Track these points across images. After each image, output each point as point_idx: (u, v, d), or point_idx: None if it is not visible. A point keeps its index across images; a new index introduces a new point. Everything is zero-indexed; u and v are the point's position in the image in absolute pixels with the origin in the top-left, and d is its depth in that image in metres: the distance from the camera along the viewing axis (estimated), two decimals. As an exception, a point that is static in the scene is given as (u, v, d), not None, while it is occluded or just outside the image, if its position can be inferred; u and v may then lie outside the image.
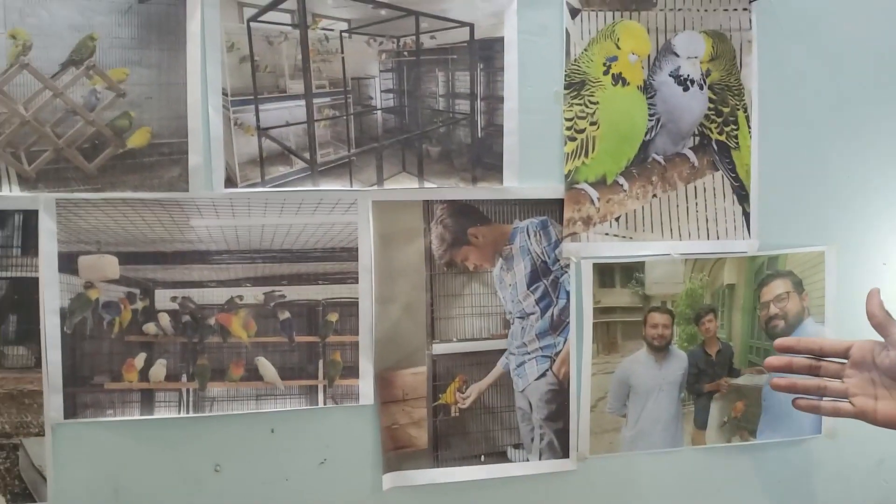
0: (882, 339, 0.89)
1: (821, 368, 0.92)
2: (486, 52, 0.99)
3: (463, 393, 1.01)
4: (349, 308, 0.98)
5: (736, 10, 1.04)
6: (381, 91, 0.97)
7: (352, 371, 0.98)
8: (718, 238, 1.05)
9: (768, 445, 1.09)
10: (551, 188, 1.01)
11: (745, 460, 1.09)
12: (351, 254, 0.97)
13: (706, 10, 1.03)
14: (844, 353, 0.92)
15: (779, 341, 0.93)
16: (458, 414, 1.01)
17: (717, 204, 1.05)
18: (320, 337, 0.98)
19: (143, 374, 0.94)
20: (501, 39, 0.99)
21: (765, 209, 1.06)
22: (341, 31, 0.95)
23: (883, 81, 1.09)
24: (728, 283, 1.06)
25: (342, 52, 0.96)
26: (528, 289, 1.02)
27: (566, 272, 1.02)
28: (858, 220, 1.10)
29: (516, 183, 1.00)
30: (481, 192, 1.00)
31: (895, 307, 1.11)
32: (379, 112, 0.97)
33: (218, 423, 0.96)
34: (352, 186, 0.97)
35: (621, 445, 1.05)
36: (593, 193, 1.02)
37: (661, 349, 1.05)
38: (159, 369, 0.94)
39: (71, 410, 0.93)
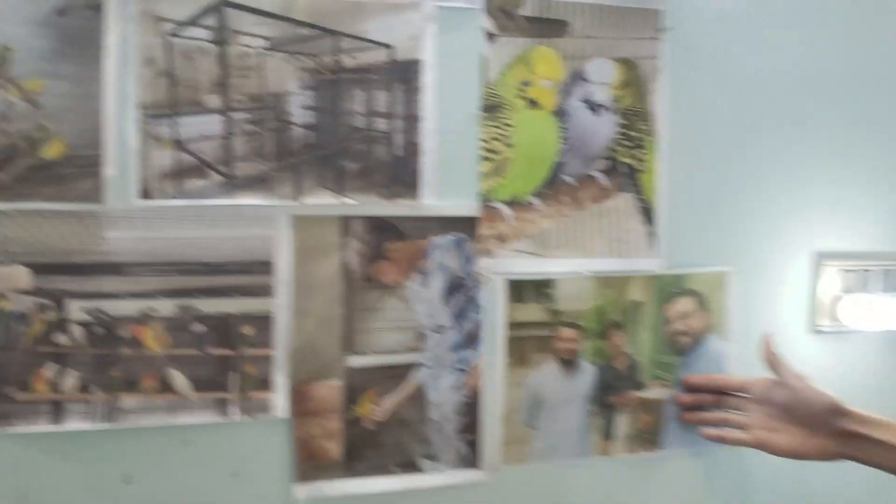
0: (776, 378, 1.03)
1: (724, 402, 1.07)
2: (405, 73, 1.01)
3: (377, 406, 1.03)
4: (264, 321, 0.99)
5: (645, 39, 1.09)
6: (300, 108, 0.99)
7: (265, 384, 0.99)
8: (626, 257, 1.10)
9: (673, 456, 1.14)
10: (467, 206, 1.04)
11: (651, 470, 1.14)
12: (267, 267, 0.99)
13: (616, 39, 1.07)
14: (745, 389, 1.05)
15: (688, 378, 1.10)
16: (372, 426, 1.03)
17: (625, 224, 1.10)
18: (234, 349, 0.99)
19: (54, 386, 0.94)
20: (419, 62, 1.02)
21: (671, 230, 1.11)
22: (261, 48, 0.97)
23: (786, 111, 1.15)
24: (635, 300, 1.10)
25: (261, 68, 0.98)
26: (443, 303, 1.04)
27: (480, 288, 1.05)
28: (760, 242, 1.15)
29: (433, 200, 1.03)
30: (399, 208, 1.02)
31: (792, 325, 1.18)
32: (297, 128, 0.99)
33: (129, 436, 0.96)
34: (269, 201, 0.98)
35: (532, 456, 1.08)
36: (507, 212, 1.06)
37: (570, 363, 1.09)
38: (70, 380, 0.94)
39: (-23, 422, 0.92)
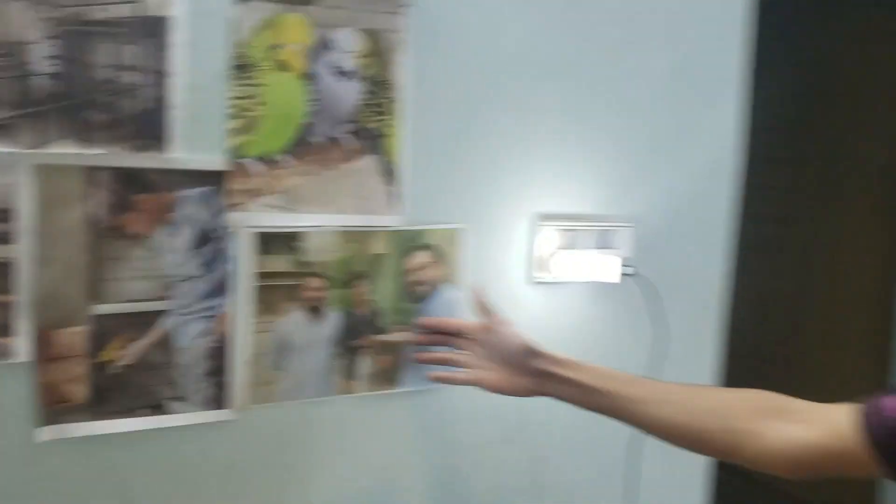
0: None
1: (450, 342, 1.20)
2: (153, 29, 1.05)
3: (124, 350, 1.07)
4: (4, 267, 1.00)
5: (389, 13, 1.18)
6: (44, 57, 1.00)
7: (6, 329, 1.00)
8: (370, 213, 1.20)
9: (410, 392, 1.27)
10: (215, 161, 1.09)
11: (390, 406, 1.26)
12: (7, 214, 0.99)
13: (362, 11, 1.16)
14: (463, 332, 1.18)
15: (421, 321, 1.23)
16: (119, 371, 1.07)
17: (369, 183, 1.20)
18: (-27, 296, 0.99)
19: None
20: (168, 18, 1.05)
21: (411, 190, 1.22)
22: (1, -5, 0.97)
23: (515, 86, 1.30)
24: (377, 252, 1.21)
25: (8, 17, 0.97)
26: (191, 254, 1.10)
27: (229, 239, 1.11)
28: (489, 203, 1.30)
29: (181, 154, 1.07)
30: (146, 161, 1.06)
31: (515, 277, 1.34)
32: (40, 77, 1.00)
33: None
34: (10, 148, 0.99)
35: (279, 396, 1.17)
36: (257, 168, 1.12)
37: (316, 310, 1.18)
38: None
39: None
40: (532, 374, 1.10)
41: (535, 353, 1.10)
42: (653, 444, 1.05)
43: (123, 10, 1.03)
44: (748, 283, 2.43)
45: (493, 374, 1.14)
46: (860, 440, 0.82)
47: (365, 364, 1.23)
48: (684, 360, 1.46)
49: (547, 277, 1.34)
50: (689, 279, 1.49)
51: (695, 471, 1.57)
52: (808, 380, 2.39)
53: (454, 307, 1.27)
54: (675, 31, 1.43)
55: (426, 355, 1.23)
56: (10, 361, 1.01)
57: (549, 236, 1.33)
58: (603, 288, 1.39)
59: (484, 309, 1.17)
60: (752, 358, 2.42)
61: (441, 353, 1.22)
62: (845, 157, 2.24)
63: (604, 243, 1.37)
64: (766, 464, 0.90)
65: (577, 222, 1.35)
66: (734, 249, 1.57)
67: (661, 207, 1.44)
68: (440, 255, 1.26)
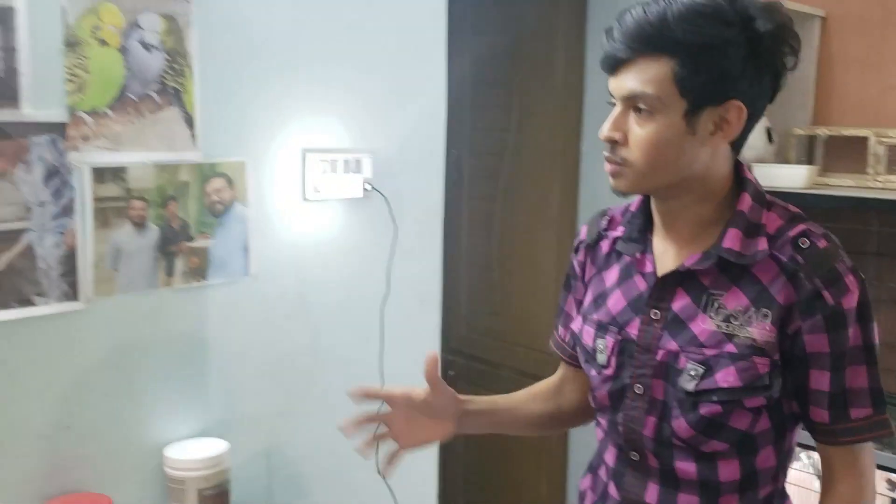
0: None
1: (375, 417, 1.20)
2: (3, 16, 1.39)
3: (-4, 259, 1.42)
4: None
5: (180, 1, 1.59)
6: (-84, 37, 1.31)
7: None
8: (176, 151, 1.62)
9: (215, 284, 1.71)
10: (57, 115, 1.46)
11: (201, 295, 1.70)
12: None
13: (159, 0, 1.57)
14: (391, 401, 1.20)
15: (354, 391, 1.18)
16: (-7, 275, 1.42)
17: (174, 128, 1.61)
18: None
19: None
20: (13, 7, 1.39)
21: (205, 133, 1.65)
22: None
23: (281, 50, 1.75)
24: (184, 180, 1.64)
25: None
26: (43, 185, 1.46)
27: (72, 174, 1.49)
28: (268, 140, 1.76)
29: (31, 111, 1.43)
30: (4, 115, 1.40)
31: (291, 196, 1.80)
32: (-86, 53, 1.31)
33: None
34: None
35: (117, 290, 1.56)
36: (89, 119, 1.50)
37: (140, 225, 1.59)
38: None
39: None
40: (457, 417, 1.22)
41: (461, 399, 1.22)
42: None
43: (-23, 1, 1.36)
44: (460, 196, 3.08)
45: (427, 433, 1.22)
46: (564, 364, 1.30)
47: (180, 264, 1.65)
48: (412, 255, 2.03)
49: (314, 196, 1.83)
50: (415, 194, 2.05)
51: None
52: (508, 273, 3.08)
53: (244, 221, 1.73)
54: (394, 11, 1.96)
55: (368, 443, 1.22)
56: None
57: (314, 165, 1.82)
58: (353, 202, 1.91)
59: (433, 376, 1.18)
60: (459, 250, 3.09)
61: (375, 435, 1.22)
62: (532, 102, 2.92)
63: (352, 169, 1.88)
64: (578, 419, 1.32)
65: (333, 154, 1.85)
66: (447, 173, 2.15)
67: (392, 141, 1.98)
68: (231, 182, 1.71)
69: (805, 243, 1.04)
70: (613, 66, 1.04)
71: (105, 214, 1.54)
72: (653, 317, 1.10)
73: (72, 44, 1.47)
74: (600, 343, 1.15)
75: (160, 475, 1.64)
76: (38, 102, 1.44)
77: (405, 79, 2.00)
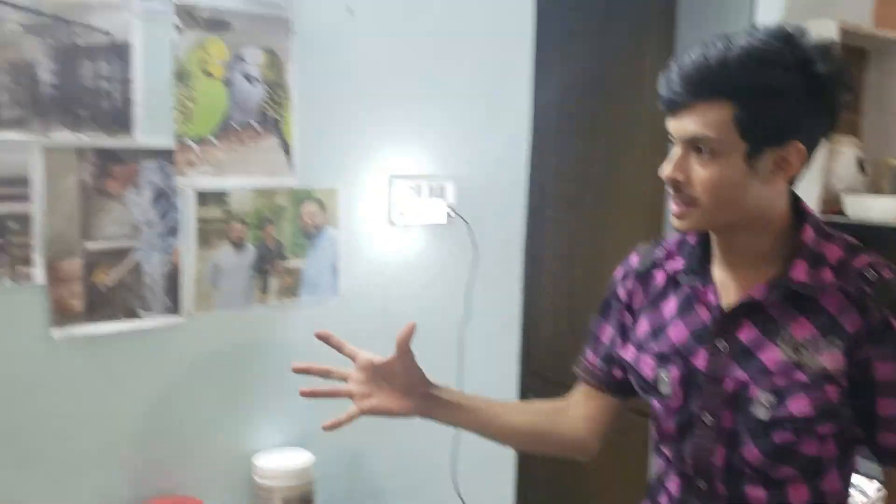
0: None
1: (331, 373, 1.26)
2: (121, 52, 1.51)
3: (108, 275, 1.54)
4: (25, 218, 1.44)
5: (281, 35, 1.70)
6: (47, 72, 1.44)
7: (28, 261, 1.45)
8: (274, 177, 1.72)
9: (306, 303, 1.80)
10: (167, 141, 1.58)
11: (293, 311, 1.78)
12: (26, 182, 1.44)
13: (262, 34, 1.67)
14: (359, 360, 1.24)
15: (318, 333, 1.24)
16: (104, 289, 1.54)
17: (273, 156, 1.71)
18: (4, 238, 1.43)
19: None
20: (130, 44, 1.52)
21: (301, 160, 1.75)
22: (18, 30, 1.41)
23: (372, 84, 1.84)
24: (280, 204, 1.73)
25: (18, 44, 1.41)
26: (152, 207, 1.58)
27: (178, 196, 1.60)
28: (357, 168, 1.84)
29: (143, 138, 1.55)
30: (119, 142, 1.53)
31: (377, 219, 1.88)
32: (45, 86, 1.45)
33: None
34: (26, 136, 1.43)
35: (215, 306, 1.67)
36: (194, 146, 1.61)
37: (239, 245, 1.69)
38: None
39: None
40: (423, 398, 1.25)
41: (431, 383, 1.27)
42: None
43: (100, 39, 1.49)
44: (544, 223, 3.10)
45: (383, 400, 1.23)
46: (587, 388, 1.30)
47: (274, 282, 1.75)
48: (493, 279, 2.07)
49: (399, 220, 1.90)
50: (497, 220, 2.10)
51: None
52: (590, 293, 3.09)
53: (334, 243, 1.81)
54: (480, 42, 2.02)
55: (313, 391, 1.25)
56: (32, 283, 1.46)
57: (400, 190, 1.89)
58: (436, 227, 1.97)
59: (405, 342, 1.21)
60: (542, 274, 3.11)
61: (328, 389, 1.25)
62: (617, 130, 2.94)
63: (436, 194, 1.95)
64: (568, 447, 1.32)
65: (418, 180, 1.92)
66: (531, 199, 2.19)
67: (476, 168, 2.04)
68: (323, 206, 1.80)
69: (872, 274, 1.06)
70: (673, 108, 1.07)
71: (207, 235, 1.65)
72: (720, 347, 1.12)
73: (181, 76, 1.58)
74: (663, 374, 1.17)
75: (249, 482, 1.72)
76: (150, 130, 1.56)
77: (490, 107, 2.06)
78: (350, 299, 1.86)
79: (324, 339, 1.25)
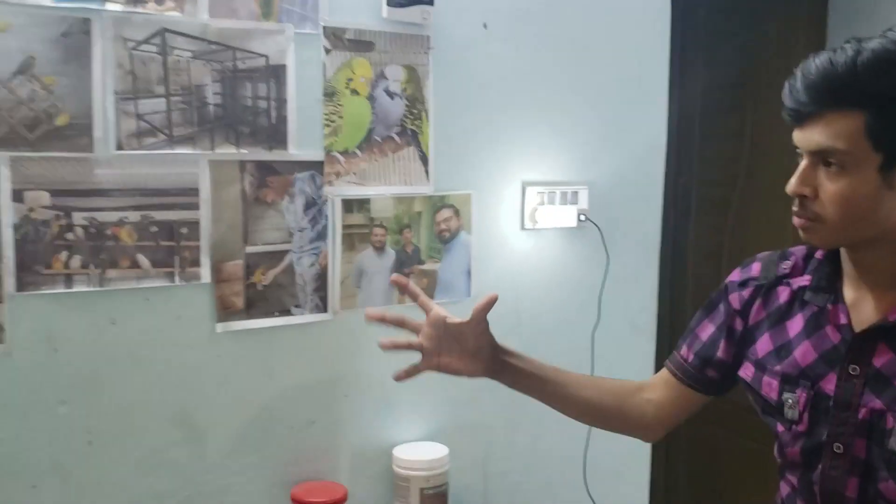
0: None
1: (405, 323, 1.29)
2: (276, 73, 1.67)
3: (265, 275, 1.70)
4: (194, 224, 1.62)
5: (419, 53, 1.81)
6: (213, 94, 1.62)
7: (196, 262, 1.63)
8: (411, 185, 1.83)
9: (442, 304, 1.89)
10: (316, 154, 1.72)
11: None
12: (195, 192, 1.62)
13: (402, 53, 1.79)
14: (432, 321, 1.26)
15: (381, 315, 1.30)
16: (262, 288, 1.70)
17: (411, 165, 1.83)
18: (176, 242, 1.61)
19: (66, 265, 1.53)
20: (285, 66, 1.68)
21: (437, 169, 1.85)
22: (188, 57, 1.59)
23: (506, 95, 1.92)
24: (417, 210, 1.84)
25: (188, 69, 1.60)
26: (303, 214, 1.72)
27: (326, 204, 1.74)
28: (490, 175, 1.93)
29: (296, 151, 1.70)
30: (275, 156, 1.68)
31: (510, 225, 1.95)
32: (211, 106, 1.62)
33: (113, 295, 1.57)
34: (194, 151, 1.61)
35: (358, 304, 1.80)
36: (341, 158, 1.75)
37: (380, 248, 1.81)
38: (75, 261, 1.53)
39: (21, 287, 1.49)
40: (492, 361, 1.26)
41: (501, 348, 1.28)
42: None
43: (259, 62, 1.66)
44: (688, 226, 3.06)
45: (452, 361, 1.25)
46: (671, 378, 1.29)
47: (412, 283, 1.85)
48: (626, 284, 2.09)
49: (531, 225, 1.96)
50: (631, 224, 2.12)
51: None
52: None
53: (468, 247, 1.90)
54: (613, 49, 2.05)
55: (389, 341, 1.28)
56: (199, 282, 1.64)
57: (532, 196, 1.96)
58: (568, 231, 2.02)
59: (483, 312, 1.24)
60: (687, 278, 3.06)
61: (403, 339, 1.28)
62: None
63: (569, 200, 1.99)
64: (636, 429, 1.34)
65: (550, 186, 1.98)
66: (675, 202, 2.19)
67: (609, 173, 2.07)
68: (458, 212, 1.89)
69: None
70: (798, 119, 1.02)
71: (351, 239, 1.78)
72: (851, 372, 1.06)
73: (329, 94, 1.73)
74: (789, 397, 1.12)
75: (389, 472, 1.84)
76: (301, 144, 1.71)
77: (625, 113, 2.08)
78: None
79: (401, 285, 1.28)
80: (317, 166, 1.73)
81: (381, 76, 1.78)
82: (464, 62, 1.87)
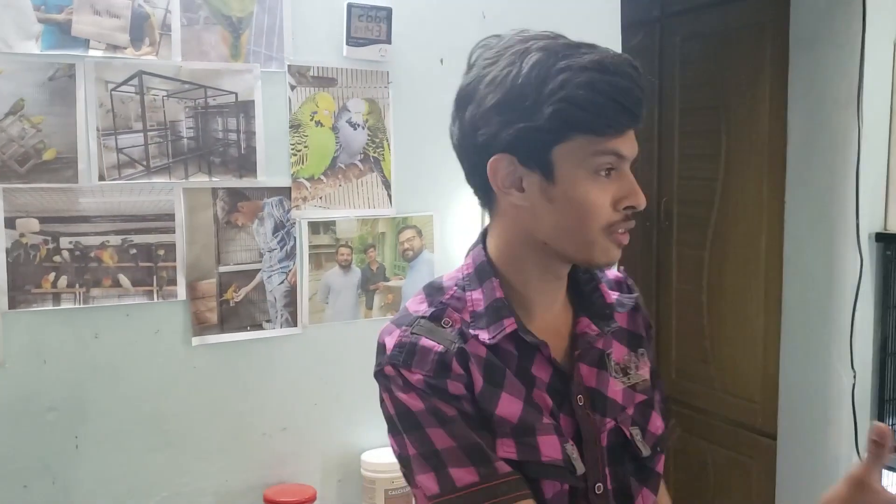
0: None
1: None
2: (245, 108, 1.84)
3: (237, 292, 1.85)
4: (171, 247, 1.79)
5: (380, 87, 1.96)
6: (187, 128, 1.79)
7: (173, 281, 1.79)
8: (375, 208, 1.98)
9: (406, 319, 2.03)
10: (284, 181, 1.88)
11: (394, 327, 2.02)
12: (171, 217, 1.78)
13: (364, 87, 1.94)
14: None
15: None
16: (234, 305, 1.85)
17: (374, 190, 1.98)
18: (154, 263, 1.78)
19: (54, 284, 1.69)
20: (253, 101, 1.84)
21: (399, 193, 2.00)
22: (163, 96, 1.76)
23: (464, 124, 2.06)
24: (381, 231, 1.99)
25: (163, 107, 1.77)
26: (272, 236, 1.88)
27: (294, 225, 1.89)
28: (451, 197, 2.07)
29: (265, 178, 1.86)
30: (245, 183, 1.84)
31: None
32: (185, 139, 1.79)
33: (97, 311, 1.73)
34: (170, 180, 1.78)
35: (327, 319, 1.94)
36: (307, 184, 1.90)
37: (346, 266, 1.96)
38: (62, 281, 1.70)
39: (13, 305, 1.66)
40: None
41: None
42: None
43: (228, 99, 1.83)
44: (670, 243, 3.15)
45: None
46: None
47: (377, 300, 2.00)
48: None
49: (490, 243, 2.09)
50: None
51: None
52: None
53: (431, 265, 2.04)
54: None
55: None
56: (176, 299, 1.80)
57: (490, 217, 2.09)
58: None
59: (876, 453, 0.90)
60: (672, 299, 3.16)
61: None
62: (737, 151, 2.98)
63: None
64: None
65: (508, 207, 2.11)
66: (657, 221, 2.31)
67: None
68: (420, 232, 2.03)
69: (630, 281, 1.21)
70: (634, 123, 0.99)
71: (318, 258, 1.93)
72: (579, 401, 1.08)
73: (295, 126, 1.89)
74: (569, 448, 1.05)
75: (358, 475, 1.97)
76: (270, 172, 1.87)
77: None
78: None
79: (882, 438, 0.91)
80: (285, 192, 1.89)
81: (344, 109, 1.94)
82: (422, 94, 2.02)
